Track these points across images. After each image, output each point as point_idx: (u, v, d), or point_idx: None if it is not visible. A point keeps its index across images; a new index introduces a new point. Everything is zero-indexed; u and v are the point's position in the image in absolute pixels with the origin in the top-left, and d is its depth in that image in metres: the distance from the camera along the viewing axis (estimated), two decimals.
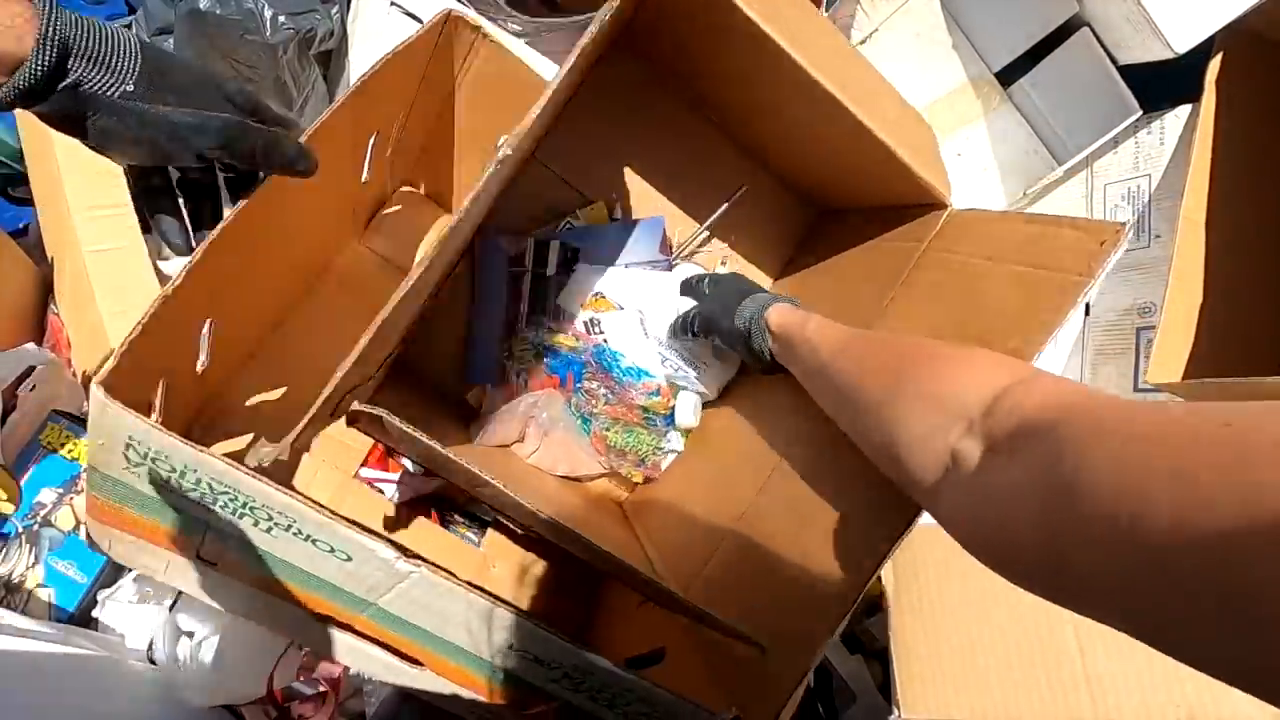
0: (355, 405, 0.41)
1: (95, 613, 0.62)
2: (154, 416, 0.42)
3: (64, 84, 0.33)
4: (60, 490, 0.66)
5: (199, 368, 0.47)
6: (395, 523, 0.61)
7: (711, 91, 0.68)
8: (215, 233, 0.41)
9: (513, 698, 0.48)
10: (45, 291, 0.85)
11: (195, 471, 0.37)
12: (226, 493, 0.37)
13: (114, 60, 0.34)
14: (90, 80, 0.34)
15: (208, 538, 0.41)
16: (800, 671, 0.42)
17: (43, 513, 0.65)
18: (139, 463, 0.37)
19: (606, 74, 0.69)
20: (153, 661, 0.60)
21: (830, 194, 0.73)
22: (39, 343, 0.82)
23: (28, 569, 0.63)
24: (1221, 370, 0.69)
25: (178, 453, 0.36)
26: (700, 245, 0.75)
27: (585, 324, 0.70)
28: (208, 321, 0.46)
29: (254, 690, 0.60)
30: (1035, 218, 0.49)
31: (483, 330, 0.71)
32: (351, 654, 0.49)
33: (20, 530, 0.64)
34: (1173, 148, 0.77)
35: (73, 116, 0.35)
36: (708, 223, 0.73)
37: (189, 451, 0.36)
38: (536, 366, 0.69)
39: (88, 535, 0.47)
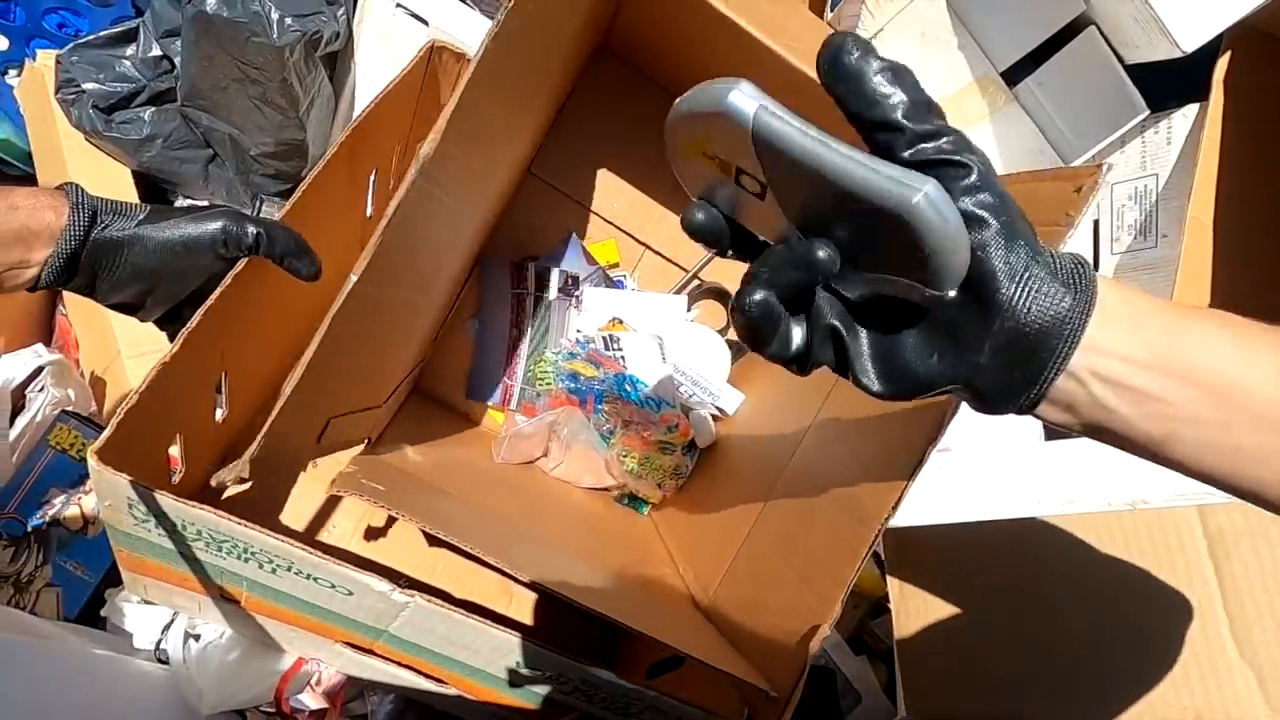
0: (333, 488, 0.42)
1: (103, 612, 0.63)
2: (179, 470, 0.44)
3: (95, 233, 0.41)
4: (68, 490, 0.66)
5: (218, 417, 0.48)
6: (425, 547, 0.61)
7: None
8: (210, 301, 0.42)
9: (535, 710, 0.49)
10: (54, 293, 0.86)
11: (194, 524, 0.38)
12: (227, 540, 0.39)
13: (127, 207, 0.43)
14: (113, 225, 0.42)
15: (226, 580, 0.43)
16: (801, 662, 0.42)
17: (51, 512, 0.65)
18: (144, 519, 0.39)
19: (595, 80, 0.69)
20: (163, 661, 0.61)
21: None
22: (48, 344, 0.82)
23: (37, 568, 0.64)
24: None
25: (172, 509, 0.38)
26: (706, 262, 0.76)
27: (604, 340, 0.71)
28: (223, 374, 0.47)
29: (260, 696, 0.60)
30: (1018, 175, 0.46)
31: (487, 349, 0.72)
32: (378, 674, 0.50)
33: (29, 530, 0.64)
34: (1180, 147, 0.76)
35: (102, 272, 0.42)
36: (699, 264, 0.74)
37: (180, 507, 0.37)
38: (556, 390, 0.71)
39: (126, 585, 0.48)
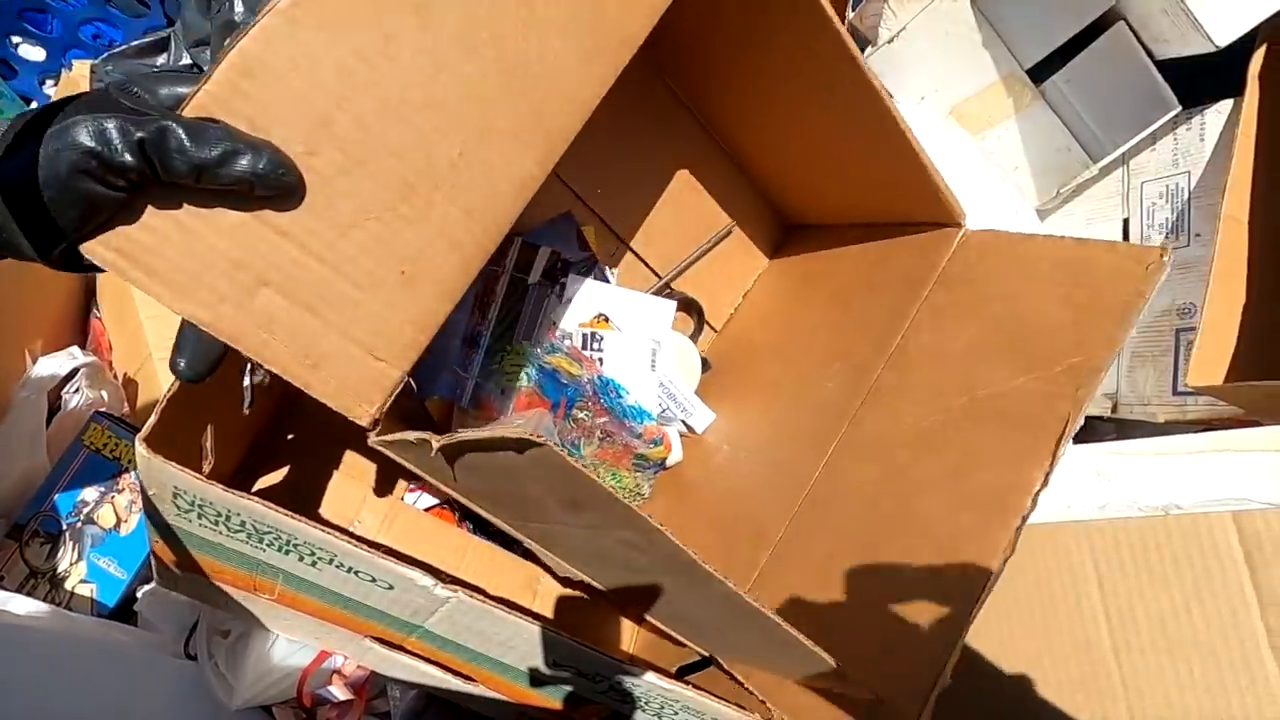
0: (372, 439, 0.41)
1: (136, 607, 0.64)
2: (207, 460, 0.44)
3: None
4: (102, 489, 0.68)
5: (245, 410, 0.48)
6: (449, 543, 0.61)
7: (707, 92, 0.67)
8: None
9: (563, 709, 0.49)
10: (88, 296, 0.88)
11: (239, 515, 0.38)
12: (270, 532, 0.39)
13: None
14: None
15: (260, 572, 0.43)
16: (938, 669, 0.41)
17: (85, 511, 0.67)
18: (188, 509, 0.39)
19: None
20: (191, 656, 0.62)
21: (823, 205, 0.71)
22: (82, 346, 0.84)
23: (71, 565, 0.65)
24: (1265, 373, 0.67)
25: (220, 499, 0.38)
26: (681, 271, 0.73)
27: (584, 338, 0.65)
28: (248, 367, 0.47)
29: (287, 691, 0.61)
30: (1061, 241, 0.49)
31: (440, 333, 0.63)
32: (406, 671, 0.50)
33: (64, 528, 0.66)
34: (1213, 144, 0.75)
35: None
36: (690, 257, 0.72)
37: (229, 497, 0.37)
38: (526, 386, 0.61)
39: (157, 577, 0.49)
